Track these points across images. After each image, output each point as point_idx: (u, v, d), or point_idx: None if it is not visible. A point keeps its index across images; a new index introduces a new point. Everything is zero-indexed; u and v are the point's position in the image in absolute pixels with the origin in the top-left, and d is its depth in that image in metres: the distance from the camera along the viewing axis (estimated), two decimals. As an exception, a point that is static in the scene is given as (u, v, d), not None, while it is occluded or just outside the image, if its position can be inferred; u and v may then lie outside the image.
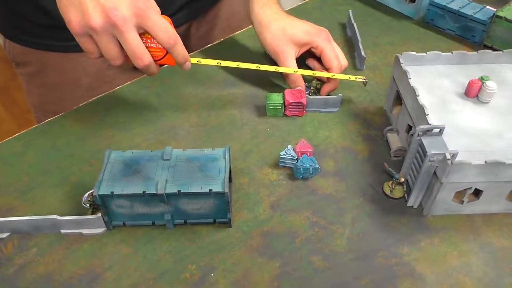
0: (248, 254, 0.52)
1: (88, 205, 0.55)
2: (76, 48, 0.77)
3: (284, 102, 0.67)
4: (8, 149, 0.65)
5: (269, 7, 0.72)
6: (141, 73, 0.75)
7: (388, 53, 0.81)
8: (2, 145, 0.65)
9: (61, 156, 0.64)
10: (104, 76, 0.79)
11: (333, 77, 0.69)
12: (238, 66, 0.65)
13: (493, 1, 0.90)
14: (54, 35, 0.75)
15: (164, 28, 0.54)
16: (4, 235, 0.54)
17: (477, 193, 0.53)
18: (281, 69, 0.68)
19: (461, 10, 0.81)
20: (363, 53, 0.76)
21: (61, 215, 0.53)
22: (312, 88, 0.71)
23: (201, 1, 0.85)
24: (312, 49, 0.71)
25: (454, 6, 0.83)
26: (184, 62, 0.58)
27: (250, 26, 0.89)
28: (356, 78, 0.69)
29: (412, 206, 0.56)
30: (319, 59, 0.73)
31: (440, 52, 0.64)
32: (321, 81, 0.72)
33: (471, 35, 0.82)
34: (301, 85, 0.70)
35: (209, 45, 0.83)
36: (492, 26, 0.78)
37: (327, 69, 0.70)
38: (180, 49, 0.56)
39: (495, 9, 0.79)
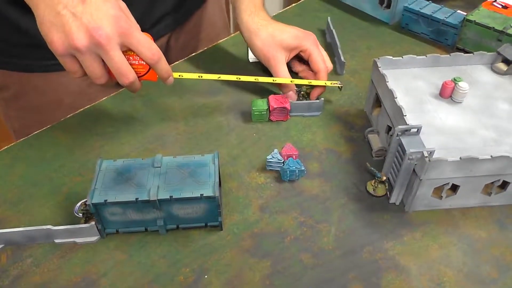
0: (240, 255, 0.53)
1: (81, 214, 0.56)
2: (56, 67, 0.76)
3: (269, 107, 0.69)
4: (-3, 162, 0.65)
5: (257, 14, 0.74)
6: (122, 88, 0.76)
7: (366, 57, 0.84)
8: (-9, 159, 0.66)
9: (51, 167, 0.64)
10: (86, 94, 0.78)
11: (309, 83, 0.71)
12: (219, 79, 0.66)
13: (463, 6, 0.95)
14: (32, 54, 0.74)
15: (147, 45, 0.55)
16: (-2, 247, 0.54)
17: (454, 188, 0.56)
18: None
19: (433, 15, 0.85)
20: (342, 58, 0.79)
21: (53, 225, 0.54)
22: (302, 92, 0.74)
23: (178, 13, 0.86)
24: (301, 53, 0.74)
25: (427, 11, 0.86)
26: (167, 77, 0.59)
27: (232, 35, 0.91)
28: (331, 83, 0.72)
29: (394, 203, 0.59)
30: (302, 63, 0.75)
31: (415, 56, 0.67)
32: (311, 86, 0.74)
33: (444, 39, 0.86)
34: (292, 89, 0.73)
35: (192, 54, 0.85)
36: (463, 29, 0.82)
37: (314, 72, 0.73)
38: (163, 64, 0.57)
39: (465, 14, 0.83)
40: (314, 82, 0.71)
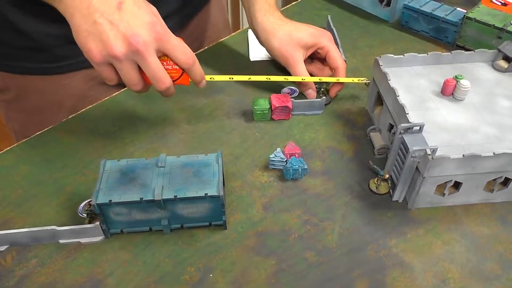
0: (245, 254, 0.54)
1: (85, 214, 0.56)
2: (56, 70, 0.77)
3: (271, 106, 0.70)
4: (1, 163, 0.65)
5: (272, 14, 0.73)
6: (123, 88, 0.76)
7: (367, 56, 0.84)
8: (-6, 160, 0.66)
9: (54, 167, 0.64)
10: (87, 96, 0.78)
11: (337, 81, 0.71)
12: (250, 79, 0.67)
13: (463, 3, 0.95)
14: (33, 57, 0.74)
15: (182, 49, 0.55)
16: (3, 248, 0.54)
17: (457, 185, 0.57)
18: (290, 79, 0.71)
19: (433, 13, 0.85)
20: (343, 56, 0.79)
21: (58, 225, 0.54)
22: (322, 89, 0.74)
23: (180, 15, 0.85)
24: (318, 50, 0.73)
25: (427, 8, 0.87)
26: (201, 81, 0.59)
27: (233, 34, 0.91)
28: (358, 80, 0.72)
29: (397, 200, 0.59)
30: (313, 62, 0.75)
31: (416, 54, 0.67)
32: (329, 83, 0.74)
33: (444, 36, 0.86)
34: (313, 87, 0.73)
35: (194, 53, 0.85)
36: (463, 27, 0.82)
37: (333, 69, 0.73)
38: (197, 68, 0.57)
39: (465, 11, 0.83)
40: (342, 80, 0.71)
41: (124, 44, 0.51)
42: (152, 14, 0.53)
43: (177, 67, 0.56)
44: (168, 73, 0.56)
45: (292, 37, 0.71)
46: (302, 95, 0.75)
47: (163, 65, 0.55)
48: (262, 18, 0.73)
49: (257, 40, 0.77)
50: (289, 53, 0.71)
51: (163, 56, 0.55)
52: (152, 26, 0.52)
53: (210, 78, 0.63)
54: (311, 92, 0.73)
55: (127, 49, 0.51)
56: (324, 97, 0.71)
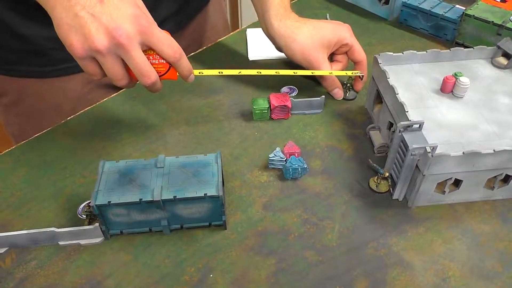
0: (245, 254, 0.54)
1: (84, 216, 0.56)
2: (55, 73, 0.77)
3: (270, 106, 0.69)
4: (-1, 165, 0.65)
5: (288, 17, 0.71)
6: (121, 89, 0.76)
7: (366, 54, 0.83)
8: (-7, 162, 0.66)
9: (53, 169, 0.64)
10: (86, 100, 0.77)
11: (330, 74, 0.70)
12: (240, 73, 0.65)
13: (461, 0, 0.95)
14: (31, 60, 0.74)
15: (168, 43, 0.53)
16: (2, 250, 0.54)
17: (457, 183, 0.56)
18: (281, 72, 0.68)
19: (432, 10, 0.85)
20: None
21: (57, 227, 0.54)
22: (348, 85, 0.74)
23: (179, 16, 0.85)
24: (342, 47, 0.71)
25: (425, 6, 0.86)
26: (188, 75, 0.58)
27: (231, 34, 0.91)
28: (352, 73, 0.72)
29: (397, 199, 0.59)
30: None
31: (415, 51, 0.67)
32: (352, 79, 0.74)
33: (443, 33, 0.86)
34: (339, 86, 0.72)
35: (191, 54, 0.85)
36: (462, 24, 0.82)
37: (356, 62, 0.72)
38: (185, 62, 0.56)
39: (464, 8, 0.83)
40: (335, 73, 0.71)
41: (107, 37, 0.49)
42: (136, 6, 0.52)
43: (164, 61, 0.55)
44: (154, 67, 0.54)
45: (313, 38, 0.69)
46: (301, 95, 0.75)
47: (149, 59, 0.53)
48: (279, 24, 0.70)
49: (255, 40, 0.77)
50: (313, 56, 0.69)
51: (149, 50, 0.54)
52: (136, 19, 0.51)
53: (199, 73, 0.61)
54: (338, 91, 0.72)
55: (110, 42, 0.49)
56: (323, 96, 0.71)
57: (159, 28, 0.53)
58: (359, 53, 0.71)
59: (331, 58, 0.75)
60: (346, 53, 0.73)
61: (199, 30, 0.92)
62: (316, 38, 0.69)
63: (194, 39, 0.92)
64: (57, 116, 0.76)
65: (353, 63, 0.74)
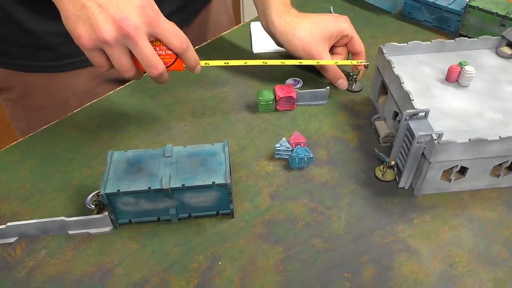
0: (252, 242, 0.54)
1: (93, 205, 0.57)
2: (62, 68, 0.77)
3: (275, 97, 0.70)
4: (7, 157, 0.66)
5: (288, 13, 0.71)
6: (129, 82, 0.76)
7: (370, 47, 0.83)
8: (1, 154, 0.66)
9: (61, 161, 0.65)
10: (93, 94, 0.77)
11: (335, 64, 0.71)
12: (246, 64, 0.65)
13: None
14: (39, 55, 0.74)
15: (175, 33, 0.53)
16: (12, 240, 0.55)
17: (462, 171, 0.57)
18: (287, 62, 0.69)
19: (436, 2, 0.85)
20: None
21: (66, 217, 0.55)
22: (354, 76, 0.74)
23: (184, 12, 0.85)
24: (342, 38, 0.72)
25: (429, -2, 0.87)
26: (195, 66, 0.58)
27: (235, 27, 0.91)
28: (357, 62, 0.72)
29: (403, 187, 0.59)
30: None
31: (420, 42, 0.67)
32: (357, 69, 0.74)
33: (447, 26, 0.86)
34: (342, 76, 0.73)
35: (196, 47, 0.86)
36: (466, 15, 0.82)
37: (356, 53, 0.73)
38: (191, 53, 0.56)
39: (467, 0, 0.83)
40: (341, 62, 0.72)
41: (114, 28, 0.49)
42: None
43: (171, 52, 0.55)
44: (161, 58, 0.54)
45: (314, 32, 0.70)
46: (305, 86, 0.75)
47: (156, 50, 0.54)
48: (279, 20, 0.71)
49: (259, 33, 0.77)
50: (314, 50, 0.70)
51: (155, 40, 0.54)
52: (143, 10, 0.51)
53: (205, 64, 0.61)
54: (342, 82, 0.73)
55: (117, 33, 0.49)
56: (328, 87, 0.71)
57: (166, 19, 0.54)
58: (359, 44, 0.72)
59: (331, 51, 0.75)
60: (345, 45, 0.74)
61: (204, 26, 0.93)
62: (316, 32, 0.70)
63: (199, 35, 0.92)
64: (63, 111, 0.76)
65: (352, 56, 0.75)
